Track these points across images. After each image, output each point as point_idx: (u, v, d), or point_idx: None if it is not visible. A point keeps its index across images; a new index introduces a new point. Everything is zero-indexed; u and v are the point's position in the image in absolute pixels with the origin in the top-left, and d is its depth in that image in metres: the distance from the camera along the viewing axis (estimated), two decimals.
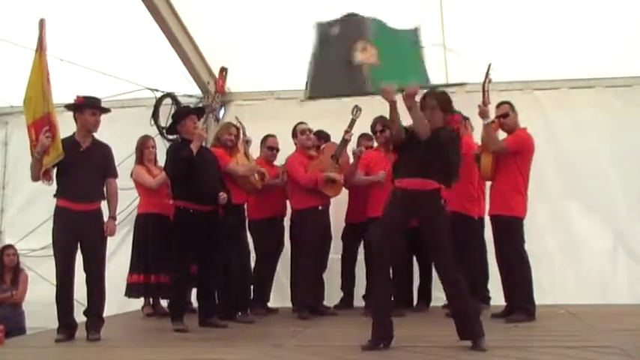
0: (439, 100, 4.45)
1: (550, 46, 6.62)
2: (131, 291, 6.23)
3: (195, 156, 5.30)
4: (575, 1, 6.30)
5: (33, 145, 4.91)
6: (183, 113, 5.72)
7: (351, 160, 6.27)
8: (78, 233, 4.86)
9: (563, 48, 6.65)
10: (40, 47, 4.92)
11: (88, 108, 5.02)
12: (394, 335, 4.30)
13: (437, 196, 4.35)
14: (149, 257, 6.12)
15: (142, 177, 6.28)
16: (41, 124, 4.84)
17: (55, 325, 4.98)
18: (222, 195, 5.44)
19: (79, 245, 4.90)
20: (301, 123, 6.32)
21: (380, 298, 4.41)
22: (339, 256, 6.58)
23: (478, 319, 4.27)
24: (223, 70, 6.93)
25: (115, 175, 5.18)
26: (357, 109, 6.08)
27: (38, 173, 4.91)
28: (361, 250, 6.47)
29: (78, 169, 4.89)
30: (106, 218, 5.04)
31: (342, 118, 6.21)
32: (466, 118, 6.07)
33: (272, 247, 6.39)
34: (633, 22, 6.36)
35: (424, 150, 4.33)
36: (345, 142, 6.16)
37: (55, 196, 4.95)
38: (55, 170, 4.93)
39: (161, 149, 6.43)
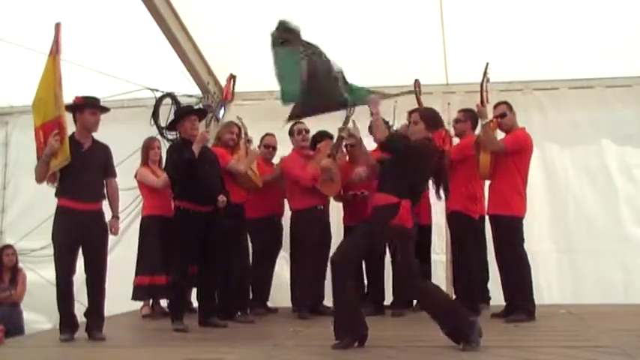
0: (422, 116, 4.64)
1: (550, 46, 6.62)
2: (138, 294, 6.20)
3: (196, 157, 5.30)
4: (575, 1, 6.30)
5: (40, 148, 4.90)
6: (183, 113, 5.72)
7: (347, 158, 6.38)
8: (80, 233, 4.86)
9: (563, 48, 6.65)
10: (56, 51, 4.91)
11: (87, 108, 5.03)
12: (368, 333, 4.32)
13: (392, 210, 4.32)
14: (155, 259, 6.08)
15: (147, 177, 6.25)
16: (51, 127, 4.83)
17: (54, 325, 4.98)
18: (222, 198, 5.45)
19: (79, 245, 4.90)
20: (298, 122, 6.33)
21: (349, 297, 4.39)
22: None
23: (456, 321, 4.23)
24: (232, 77, 6.91)
25: (114, 174, 5.19)
26: (352, 107, 6.10)
27: (44, 176, 4.90)
28: None
29: (80, 169, 4.89)
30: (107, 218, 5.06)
31: (341, 119, 6.21)
32: None
33: (269, 246, 6.38)
34: (633, 22, 6.36)
35: (388, 163, 4.54)
36: (340, 139, 6.17)
37: (56, 195, 4.95)
38: (58, 171, 4.93)
39: (165, 150, 6.42)
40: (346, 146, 6.30)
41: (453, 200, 5.81)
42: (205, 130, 5.62)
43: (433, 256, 6.58)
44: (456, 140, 6.00)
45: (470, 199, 5.77)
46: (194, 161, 5.29)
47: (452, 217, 5.84)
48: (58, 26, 4.96)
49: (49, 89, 4.91)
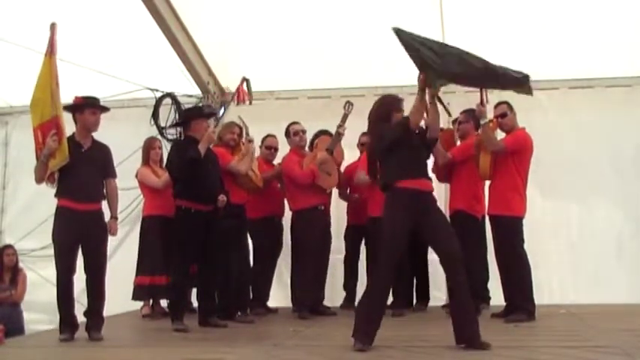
0: None
1: (550, 46, 6.62)
2: (138, 294, 6.19)
3: (202, 156, 5.31)
4: (575, 1, 6.30)
5: (39, 148, 4.91)
6: (199, 113, 5.72)
7: (346, 155, 6.40)
8: (80, 233, 4.86)
9: (563, 48, 6.65)
10: (51, 51, 4.93)
11: (87, 107, 5.03)
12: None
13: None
14: (156, 259, 6.06)
15: (148, 178, 6.23)
16: (48, 128, 4.84)
17: (54, 325, 4.98)
18: (222, 197, 5.44)
19: (79, 245, 4.90)
20: (294, 123, 6.32)
21: (378, 299, 4.35)
22: (341, 257, 6.59)
23: (476, 321, 4.24)
24: (244, 80, 6.87)
25: (114, 175, 5.19)
26: (349, 104, 6.13)
27: (43, 176, 4.91)
28: (362, 248, 6.48)
29: (80, 169, 4.90)
30: (107, 218, 5.06)
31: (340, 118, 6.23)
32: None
33: (269, 246, 6.37)
34: (633, 22, 6.36)
35: (425, 150, 4.46)
36: (338, 135, 6.18)
37: (56, 195, 4.95)
38: (57, 172, 4.93)
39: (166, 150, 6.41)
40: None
41: (456, 200, 5.85)
42: (212, 131, 5.62)
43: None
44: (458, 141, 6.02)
45: (474, 198, 5.79)
46: (198, 160, 5.29)
47: (455, 217, 5.82)
48: (53, 26, 4.98)
49: (45, 89, 4.92)
